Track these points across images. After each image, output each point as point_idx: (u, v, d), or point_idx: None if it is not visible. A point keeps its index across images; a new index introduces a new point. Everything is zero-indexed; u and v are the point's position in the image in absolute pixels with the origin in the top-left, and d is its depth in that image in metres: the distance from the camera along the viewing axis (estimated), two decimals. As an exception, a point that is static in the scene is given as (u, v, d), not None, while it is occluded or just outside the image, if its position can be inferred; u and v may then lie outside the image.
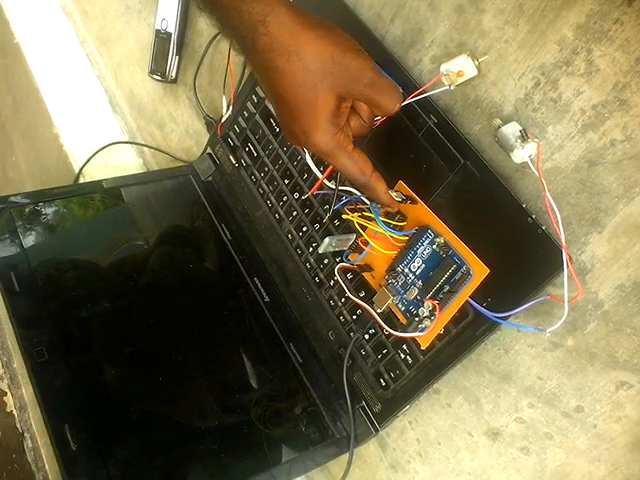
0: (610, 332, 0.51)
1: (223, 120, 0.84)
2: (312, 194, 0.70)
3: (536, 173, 0.52)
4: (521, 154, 0.52)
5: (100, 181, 0.83)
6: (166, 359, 0.69)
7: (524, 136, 0.53)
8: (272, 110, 0.76)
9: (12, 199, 0.74)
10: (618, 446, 0.51)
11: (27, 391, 0.81)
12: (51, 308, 0.67)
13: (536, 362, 0.56)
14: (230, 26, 0.48)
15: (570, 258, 0.50)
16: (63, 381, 0.60)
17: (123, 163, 1.08)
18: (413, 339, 0.60)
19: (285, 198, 0.76)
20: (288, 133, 0.52)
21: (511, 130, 0.53)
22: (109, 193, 0.85)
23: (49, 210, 0.80)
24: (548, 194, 0.50)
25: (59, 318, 0.66)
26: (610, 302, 0.50)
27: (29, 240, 0.73)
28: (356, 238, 0.62)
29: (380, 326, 0.61)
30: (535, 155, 0.53)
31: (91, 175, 1.05)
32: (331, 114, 0.49)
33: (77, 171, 1.04)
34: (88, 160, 1.03)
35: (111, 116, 1.15)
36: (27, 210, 0.76)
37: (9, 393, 0.88)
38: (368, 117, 0.54)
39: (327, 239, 0.60)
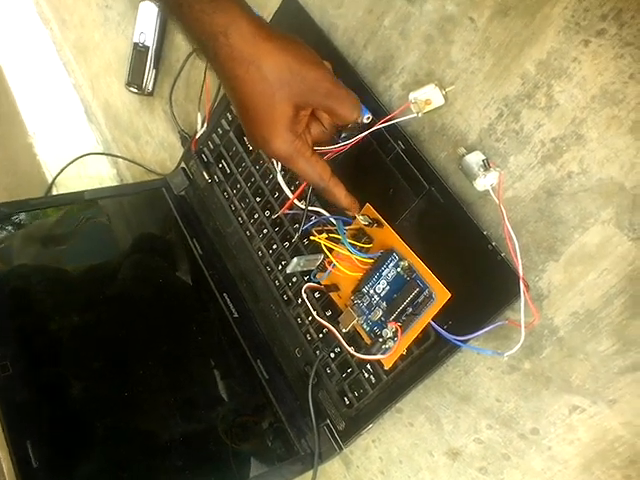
0: (564, 357, 0.52)
1: (197, 136, 0.85)
2: (283, 213, 0.71)
3: (497, 201, 0.53)
4: (483, 182, 0.54)
5: (81, 192, 0.84)
6: (132, 373, 0.69)
7: (486, 165, 0.54)
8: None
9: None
10: (570, 467, 0.53)
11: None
12: (17, 321, 0.66)
13: (495, 384, 0.58)
14: (193, 35, 0.50)
15: (527, 286, 0.52)
16: (27, 396, 0.60)
17: (96, 174, 1.08)
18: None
19: (256, 215, 0.76)
20: (249, 138, 0.55)
21: (474, 159, 0.55)
22: (84, 205, 0.85)
23: (18, 220, 0.80)
24: (507, 223, 0.52)
25: (25, 331, 0.66)
26: (565, 328, 0.52)
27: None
28: (324, 258, 0.63)
29: (344, 348, 0.62)
30: (497, 184, 0.54)
31: (64, 185, 1.04)
32: (289, 122, 0.51)
33: (50, 181, 1.04)
34: (62, 170, 1.03)
35: (86, 126, 1.15)
36: (-2, 220, 0.76)
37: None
38: (329, 124, 0.57)
39: (295, 259, 0.61)
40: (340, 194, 0.57)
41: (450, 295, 0.55)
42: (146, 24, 0.94)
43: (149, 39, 0.95)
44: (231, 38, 0.48)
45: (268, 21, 0.73)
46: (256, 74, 0.49)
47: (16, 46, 1.21)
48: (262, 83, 0.49)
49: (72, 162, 1.03)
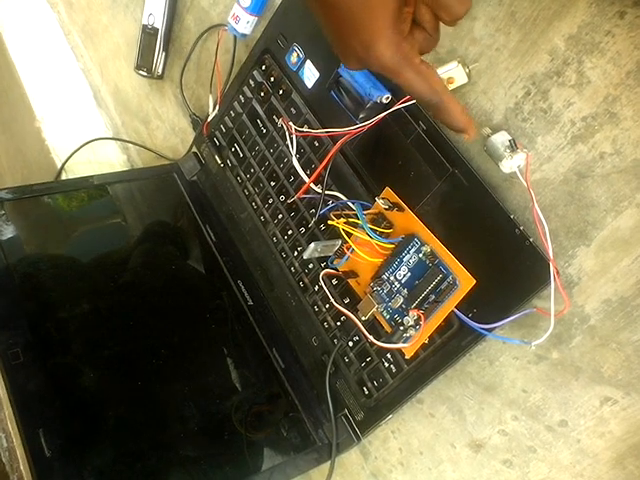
0: (596, 346, 0.50)
1: (209, 119, 0.83)
2: (298, 198, 0.69)
3: (524, 184, 0.51)
4: (510, 164, 0.52)
5: (89, 177, 0.82)
6: (146, 362, 0.68)
7: (513, 146, 0.52)
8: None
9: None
10: (601, 462, 0.51)
11: (2, 390, 0.78)
12: (28, 308, 0.65)
13: (521, 374, 0.55)
14: None
15: (557, 271, 0.49)
16: (39, 384, 0.59)
17: (106, 159, 1.06)
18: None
19: (271, 200, 0.74)
20: (346, 51, 0.45)
21: (500, 139, 0.53)
22: (93, 190, 0.84)
23: (29, 206, 0.78)
24: (536, 206, 0.49)
25: (36, 319, 0.64)
26: (596, 316, 0.50)
27: (6, 236, 0.71)
28: (342, 244, 0.61)
29: (364, 336, 0.60)
30: (524, 166, 0.52)
31: (73, 171, 1.03)
32: (393, 19, 0.42)
33: (59, 166, 1.02)
34: (71, 155, 1.01)
35: (95, 111, 1.13)
36: (5, 205, 0.74)
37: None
38: (433, 27, 0.45)
39: (312, 245, 0.59)
40: (456, 110, 0.46)
41: (475, 282, 0.53)
42: (155, 5, 0.92)
43: (158, 21, 0.92)
44: None
45: (278, 3, 0.70)
46: None
47: (23, 30, 1.19)
48: None
49: (81, 147, 1.02)
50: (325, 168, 0.64)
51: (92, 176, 0.82)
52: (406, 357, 0.59)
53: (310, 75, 0.68)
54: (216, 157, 0.81)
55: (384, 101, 0.58)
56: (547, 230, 0.49)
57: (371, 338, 0.58)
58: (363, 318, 0.60)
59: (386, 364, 0.62)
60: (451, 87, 0.55)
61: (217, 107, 0.82)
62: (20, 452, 0.80)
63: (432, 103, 0.46)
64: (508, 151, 0.52)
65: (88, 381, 0.63)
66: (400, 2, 0.41)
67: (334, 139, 0.64)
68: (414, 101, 0.57)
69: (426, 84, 0.44)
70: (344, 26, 0.42)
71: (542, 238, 0.49)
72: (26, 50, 1.16)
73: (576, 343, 0.51)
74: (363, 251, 0.58)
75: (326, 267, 0.66)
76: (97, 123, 1.11)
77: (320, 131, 0.65)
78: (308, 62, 0.68)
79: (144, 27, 0.94)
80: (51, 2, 1.20)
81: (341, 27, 0.43)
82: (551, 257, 0.49)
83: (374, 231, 0.57)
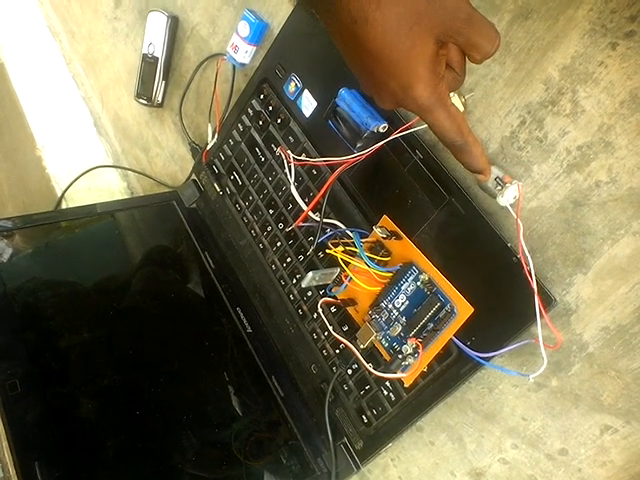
0: (594, 374, 0.50)
1: (208, 147, 0.84)
2: (297, 226, 0.69)
3: (514, 215, 0.51)
4: (505, 199, 0.51)
5: (93, 205, 0.83)
6: (144, 391, 0.67)
7: (500, 183, 0.51)
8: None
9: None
10: (603, 492, 0.50)
11: (1, 420, 0.78)
12: (27, 338, 0.65)
13: (520, 402, 0.55)
14: None
15: (544, 306, 0.49)
16: (36, 416, 0.58)
17: (107, 186, 1.07)
18: (396, 376, 0.60)
19: (269, 228, 0.75)
20: (383, 94, 0.46)
21: (491, 176, 0.53)
22: (93, 219, 0.84)
23: (29, 234, 0.78)
24: (522, 240, 0.49)
25: (35, 349, 0.64)
26: (595, 344, 0.50)
27: (6, 265, 0.71)
28: (340, 272, 0.61)
29: (363, 366, 0.60)
30: (518, 196, 0.52)
31: (73, 199, 1.03)
32: (431, 61, 0.43)
33: (59, 194, 1.03)
34: (71, 183, 1.02)
35: (96, 138, 1.14)
36: (5, 234, 0.74)
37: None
38: (461, 67, 0.47)
39: (310, 273, 0.59)
40: (478, 152, 0.48)
41: (473, 310, 0.53)
42: (155, 35, 0.93)
43: (158, 50, 0.94)
44: None
45: (276, 34, 0.71)
46: (388, 9, 0.40)
47: (25, 59, 1.21)
48: (397, 18, 0.40)
49: (82, 175, 1.02)
50: (323, 196, 0.64)
51: (95, 205, 0.82)
52: (405, 385, 0.58)
53: (308, 104, 0.69)
54: (215, 185, 0.82)
55: (381, 130, 0.59)
56: (532, 266, 0.48)
57: (369, 368, 0.58)
58: (362, 346, 0.60)
59: (385, 392, 0.62)
60: (447, 116, 0.56)
61: (216, 135, 0.82)
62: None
63: (457, 144, 0.47)
64: (499, 188, 0.52)
65: (86, 411, 0.62)
66: (437, 46, 0.42)
67: (332, 168, 0.65)
68: (410, 130, 0.57)
69: (455, 124, 0.45)
70: (386, 72, 0.43)
71: (527, 273, 0.49)
72: (28, 78, 1.17)
73: (575, 371, 0.51)
74: (361, 280, 0.58)
75: (325, 295, 0.66)
76: (97, 151, 1.12)
77: (318, 160, 0.66)
78: (306, 91, 0.68)
79: (144, 56, 0.95)
80: (53, 31, 1.22)
81: (382, 73, 0.43)
82: (536, 292, 0.48)
83: (372, 259, 0.57)
